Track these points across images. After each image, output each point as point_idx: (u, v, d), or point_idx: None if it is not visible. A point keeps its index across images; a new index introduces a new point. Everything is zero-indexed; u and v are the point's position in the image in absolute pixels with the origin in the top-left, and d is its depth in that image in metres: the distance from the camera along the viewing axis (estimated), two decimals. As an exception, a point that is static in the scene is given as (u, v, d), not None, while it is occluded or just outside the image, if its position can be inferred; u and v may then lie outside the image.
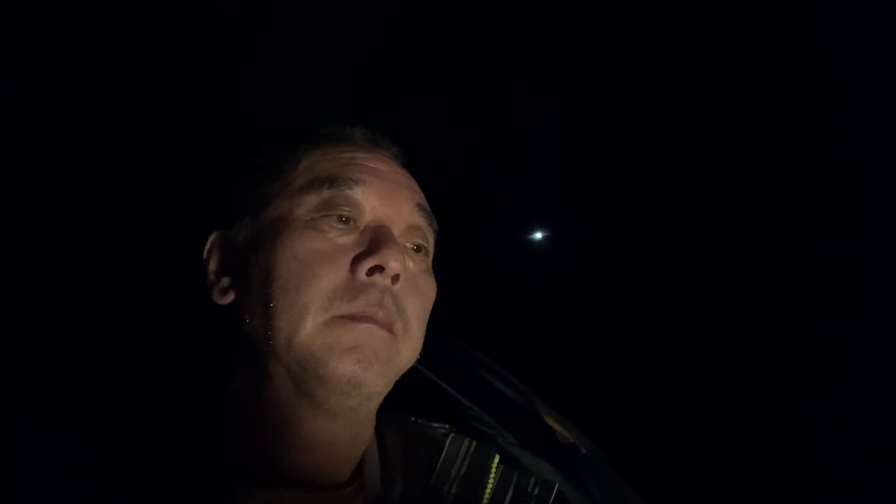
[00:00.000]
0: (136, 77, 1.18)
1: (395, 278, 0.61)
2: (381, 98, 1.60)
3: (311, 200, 0.62)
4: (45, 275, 0.95)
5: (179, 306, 0.81)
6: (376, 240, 0.61)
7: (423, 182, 0.72)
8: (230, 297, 0.64)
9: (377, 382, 0.59)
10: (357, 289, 0.59)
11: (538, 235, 2.38)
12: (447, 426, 0.74)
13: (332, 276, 0.59)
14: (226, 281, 0.65)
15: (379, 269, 0.59)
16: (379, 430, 0.68)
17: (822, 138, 2.10)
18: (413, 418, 0.75)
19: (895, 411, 1.87)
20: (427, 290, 0.67)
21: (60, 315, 0.90)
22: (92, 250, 1.00)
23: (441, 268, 0.71)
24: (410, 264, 0.64)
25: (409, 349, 0.63)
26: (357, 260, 0.60)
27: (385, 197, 0.64)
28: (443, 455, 0.69)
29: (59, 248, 0.99)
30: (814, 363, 2.10)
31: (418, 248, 0.67)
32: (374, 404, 0.63)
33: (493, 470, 0.69)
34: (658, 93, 2.12)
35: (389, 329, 0.60)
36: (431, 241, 0.69)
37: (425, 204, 0.69)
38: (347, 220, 0.62)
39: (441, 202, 0.73)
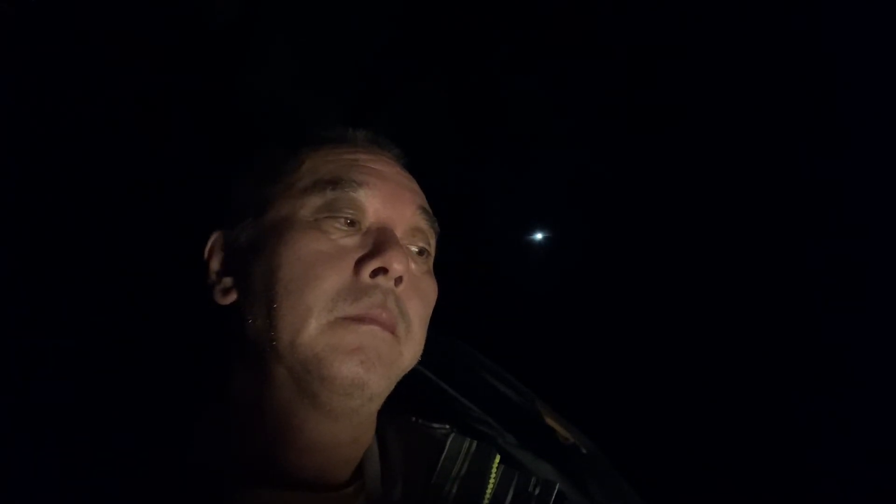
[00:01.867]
0: (136, 77, 1.18)
1: (398, 280, 0.61)
2: (382, 98, 1.60)
3: (314, 202, 0.62)
4: (45, 275, 0.95)
5: (180, 306, 0.81)
6: (380, 242, 0.61)
7: (423, 183, 0.72)
8: (232, 298, 0.64)
9: (379, 384, 0.59)
10: (360, 290, 0.59)
11: (538, 235, 2.38)
12: (448, 426, 0.74)
13: (335, 278, 0.59)
14: (228, 281, 0.65)
15: (382, 270, 0.59)
16: (380, 431, 0.68)
17: (822, 139, 2.10)
18: (414, 419, 0.74)
19: (895, 411, 1.87)
20: (429, 291, 0.67)
21: (61, 314, 0.90)
22: (92, 250, 1.00)
23: (442, 269, 0.71)
24: (413, 266, 0.64)
25: (411, 351, 0.63)
26: (361, 262, 0.60)
27: (388, 199, 0.65)
28: (443, 455, 0.69)
29: (59, 248, 0.99)
30: (814, 363, 2.10)
31: (420, 251, 0.67)
32: (376, 405, 0.63)
33: (494, 470, 0.69)
34: (658, 93, 2.12)
35: (392, 331, 0.60)
36: (433, 243, 0.69)
37: (427, 206, 0.69)
38: (351, 222, 0.62)
39: (441, 203, 0.73)
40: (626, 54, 2.01)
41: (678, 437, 1.94)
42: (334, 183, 0.63)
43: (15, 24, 1.04)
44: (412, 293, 0.63)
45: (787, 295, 2.18)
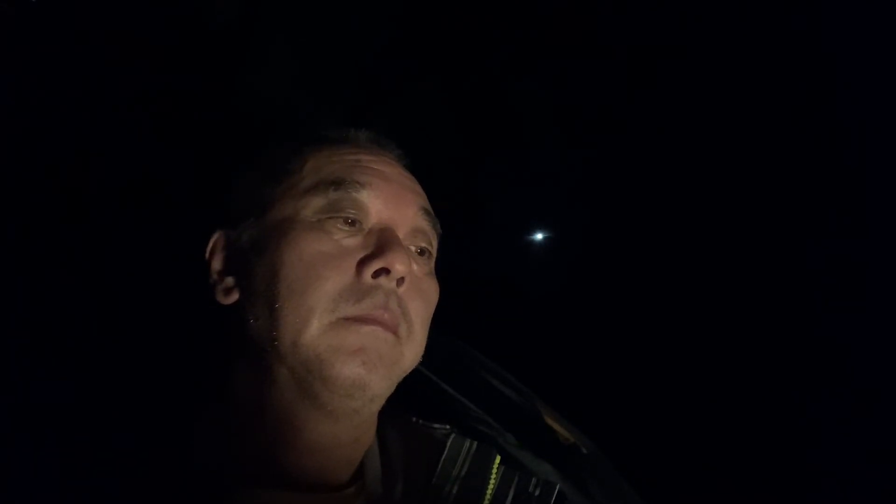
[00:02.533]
0: (136, 77, 1.18)
1: (401, 281, 0.61)
2: (382, 98, 1.60)
3: (317, 202, 0.62)
4: (46, 273, 0.95)
5: (180, 306, 0.81)
6: (382, 242, 0.61)
7: (423, 183, 0.72)
8: (234, 297, 0.64)
9: (381, 385, 0.59)
10: (363, 291, 0.59)
11: (538, 236, 2.38)
12: (448, 427, 0.74)
13: (337, 278, 0.59)
14: (230, 281, 0.65)
15: (385, 271, 0.59)
16: (380, 431, 0.68)
17: (822, 138, 2.10)
18: (414, 419, 0.74)
19: (895, 411, 1.87)
20: (430, 292, 0.67)
21: (62, 314, 0.90)
22: (93, 249, 1.00)
23: (442, 269, 0.71)
24: (414, 267, 0.64)
25: (412, 351, 0.63)
26: (363, 262, 0.60)
27: (390, 200, 0.65)
28: (444, 456, 0.69)
29: (60, 247, 0.99)
30: (814, 363, 2.10)
31: (422, 252, 0.68)
32: (377, 406, 0.63)
33: (494, 471, 0.69)
34: (658, 93, 2.12)
35: (394, 332, 0.60)
36: (435, 244, 0.70)
37: (429, 207, 0.69)
38: (353, 223, 0.63)
39: (441, 203, 0.73)
40: (626, 54, 2.01)
41: (678, 437, 1.94)
42: (337, 183, 0.63)
43: (15, 24, 1.04)
44: (414, 294, 0.63)
45: (787, 295, 2.18)
